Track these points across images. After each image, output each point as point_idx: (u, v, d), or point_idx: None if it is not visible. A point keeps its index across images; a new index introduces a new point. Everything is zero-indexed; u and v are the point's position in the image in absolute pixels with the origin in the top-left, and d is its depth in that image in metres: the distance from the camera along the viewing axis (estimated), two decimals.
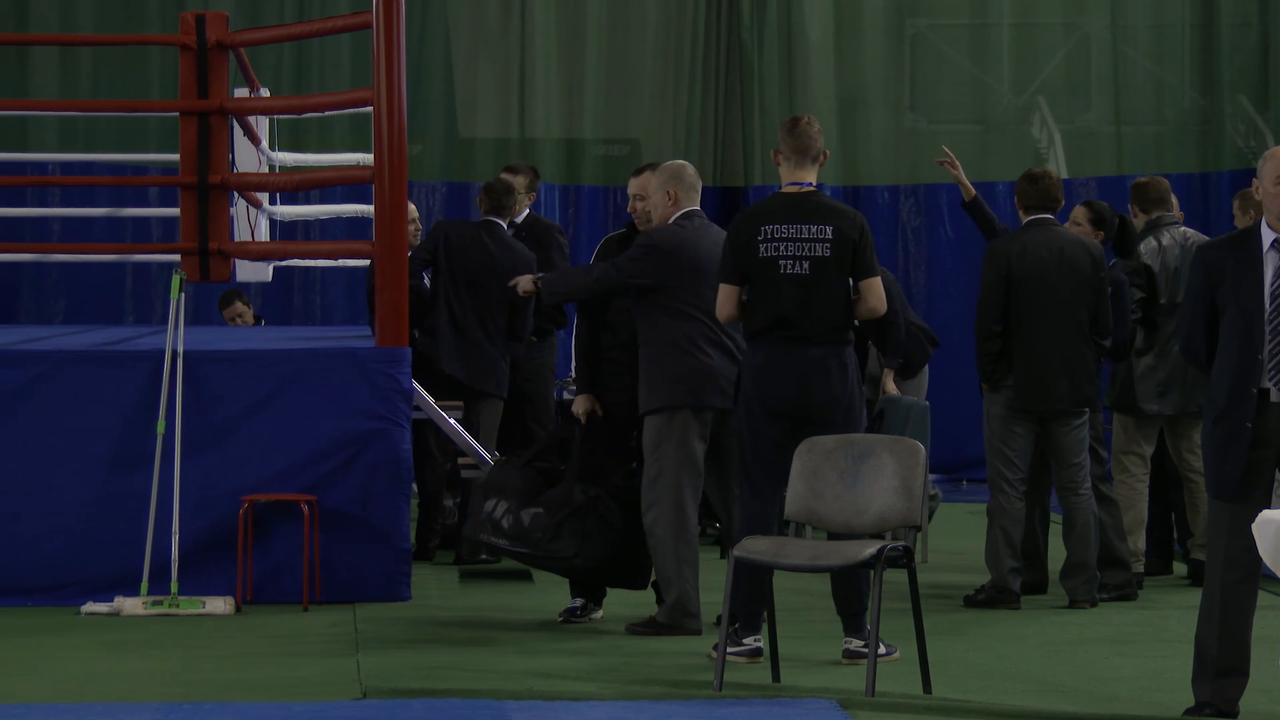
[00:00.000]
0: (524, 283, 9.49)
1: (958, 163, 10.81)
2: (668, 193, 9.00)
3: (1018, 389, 9.91)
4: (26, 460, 9.81)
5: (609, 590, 9.42)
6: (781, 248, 8.36)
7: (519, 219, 12.10)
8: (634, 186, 9.27)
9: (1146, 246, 10.56)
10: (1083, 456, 9.99)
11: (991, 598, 9.89)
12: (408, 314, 10.20)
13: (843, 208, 8.55)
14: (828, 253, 8.35)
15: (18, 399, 9.85)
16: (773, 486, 8.23)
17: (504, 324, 11.46)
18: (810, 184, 8.49)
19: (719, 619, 8.13)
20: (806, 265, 8.35)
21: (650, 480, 8.87)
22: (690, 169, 9.14)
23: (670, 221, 8.99)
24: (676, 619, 8.84)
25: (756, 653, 8.20)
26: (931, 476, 12.65)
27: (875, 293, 8.43)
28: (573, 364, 9.48)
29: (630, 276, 8.90)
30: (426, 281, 11.54)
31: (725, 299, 8.44)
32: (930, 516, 12.36)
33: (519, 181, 12.03)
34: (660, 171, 9.09)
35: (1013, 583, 9.89)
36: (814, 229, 8.36)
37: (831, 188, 16.77)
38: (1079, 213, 10.52)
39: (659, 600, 9.04)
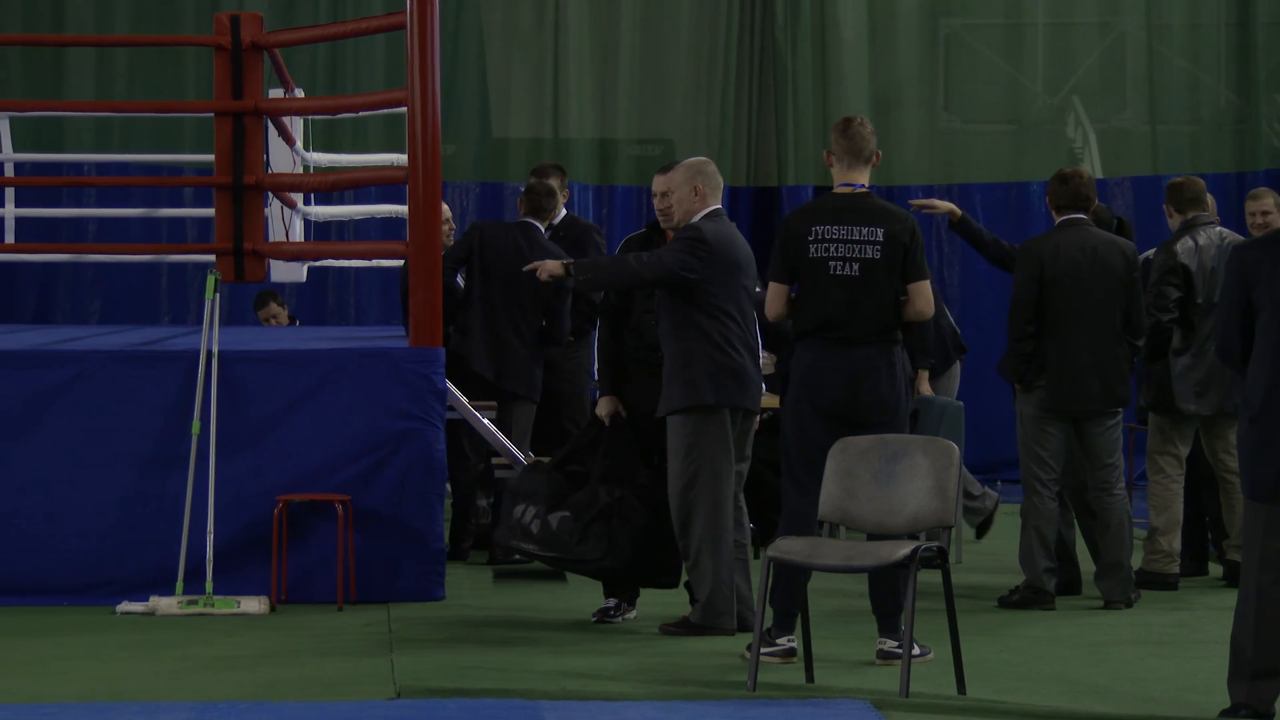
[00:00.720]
0: (551, 266, 9.03)
1: (932, 201, 10.69)
2: (695, 188, 8.95)
3: (1050, 389, 9.89)
4: (62, 460, 9.85)
5: (642, 590, 9.42)
6: (832, 248, 8.35)
7: (556, 220, 12.11)
8: (660, 185, 9.25)
9: (1183, 246, 10.53)
10: (1116, 457, 9.97)
11: (1026, 598, 9.87)
12: (442, 314, 10.21)
13: (895, 210, 8.52)
14: (878, 255, 8.34)
15: (54, 399, 9.89)
16: (817, 487, 8.21)
17: (538, 326, 11.46)
18: (863, 185, 8.47)
19: (773, 621, 8.16)
20: (856, 267, 8.34)
21: (685, 481, 8.84)
22: (713, 166, 9.09)
23: (701, 218, 8.95)
24: (710, 619, 8.84)
25: (790, 653, 8.19)
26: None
27: (924, 296, 8.42)
28: (590, 367, 9.45)
29: (680, 269, 8.77)
30: (460, 281, 11.55)
31: (774, 297, 8.44)
32: (990, 522, 12.34)
33: (556, 181, 12.04)
34: (685, 168, 9.02)
35: (1047, 583, 9.87)
36: (865, 230, 8.36)
37: (869, 188, 16.72)
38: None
39: (692, 600, 9.04)
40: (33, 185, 14.74)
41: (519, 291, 11.37)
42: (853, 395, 8.31)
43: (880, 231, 8.37)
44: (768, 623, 8.25)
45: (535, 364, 11.49)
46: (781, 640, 8.22)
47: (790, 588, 8.11)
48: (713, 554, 8.82)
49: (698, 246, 8.80)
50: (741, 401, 8.85)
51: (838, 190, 8.51)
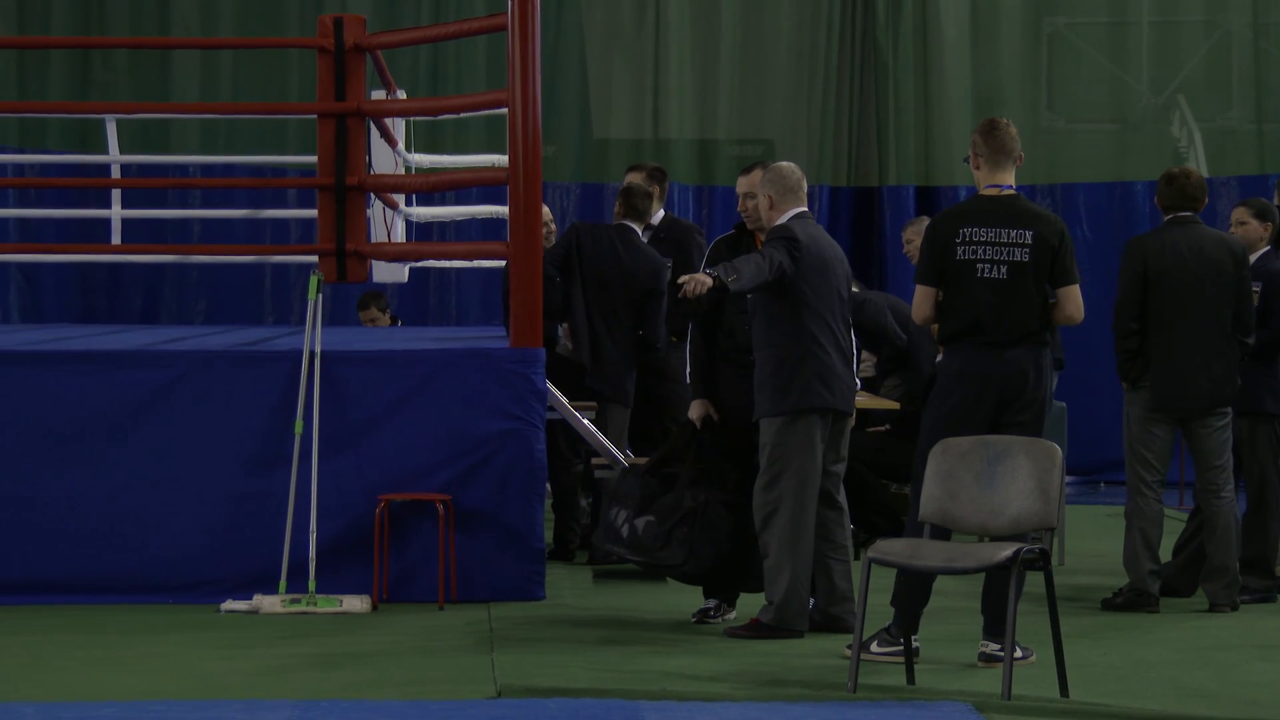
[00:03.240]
0: (698, 283, 8.47)
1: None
2: (766, 196, 8.94)
3: (1155, 388, 9.79)
4: (167, 459, 9.93)
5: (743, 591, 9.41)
6: (979, 251, 8.30)
7: (655, 220, 12.11)
8: (744, 185, 9.24)
9: None
10: (1225, 458, 9.86)
11: (1130, 601, 9.79)
12: (542, 314, 10.23)
13: (1044, 213, 8.44)
14: (1026, 258, 8.28)
15: (159, 399, 9.98)
16: None
17: (632, 331, 11.45)
18: (1010, 186, 8.40)
19: (891, 621, 8.13)
20: (1004, 269, 8.28)
21: (767, 480, 8.82)
22: (791, 170, 8.99)
23: (786, 221, 8.90)
24: (783, 619, 8.77)
25: (912, 652, 8.11)
26: (1068, 478, 12.54)
27: (1074, 301, 8.35)
28: (688, 369, 9.41)
29: (786, 265, 8.69)
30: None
31: (922, 300, 8.39)
32: None
33: (641, 177, 12.04)
34: (763, 173, 9.02)
35: (1151, 585, 9.78)
36: (1014, 233, 8.30)
37: (968, 188, 16.66)
38: (1240, 212, 10.42)
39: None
40: (139, 187, 14.85)
41: (613, 295, 11.37)
42: (1000, 400, 8.25)
43: (1029, 234, 8.30)
44: (875, 624, 8.22)
45: (627, 368, 11.46)
46: (901, 640, 8.13)
47: (918, 588, 8.08)
48: (790, 555, 8.77)
49: (796, 245, 8.77)
50: (832, 403, 8.82)
51: (985, 192, 8.43)
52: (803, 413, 8.77)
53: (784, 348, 8.80)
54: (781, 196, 8.92)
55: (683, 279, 8.65)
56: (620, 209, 11.68)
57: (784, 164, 9.07)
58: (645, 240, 11.83)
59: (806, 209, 8.99)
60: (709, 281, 8.49)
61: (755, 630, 8.82)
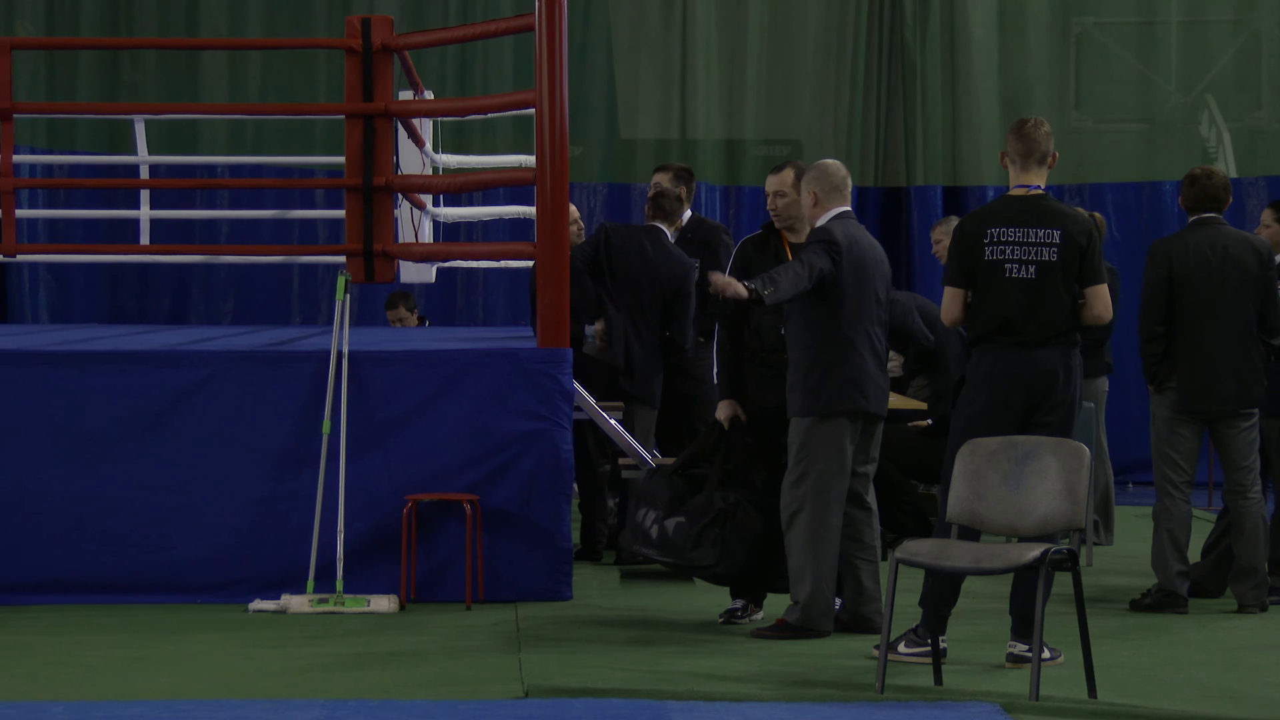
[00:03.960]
0: (735, 288, 8.42)
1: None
2: (810, 193, 8.91)
3: (1182, 390, 9.78)
4: (195, 459, 9.96)
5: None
6: (1007, 251, 8.28)
7: (682, 221, 12.12)
8: (774, 184, 9.23)
9: None
10: (1252, 459, 9.83)
11: (1158, 602, 9.77)
12: (569, 315, 10.24)
13: (1072, 211, 8.42)
14: (1054, 257, 8.26)
15: (187, 399, 10.00)
16: None
17: (659, 332, 11.45)
18: (1038, 186, 8.38)
19: (919, 621, 8.12)
20: (1032, 269, 8.26)
21: (793, 480, 8.81)
22: (837, 168, 8.98)
23: (828, 220, 8.91)
24: (809, 620, 8.76)
25: (940, 653, 8.10)
26: None
27: (1101, 300, 8.32)
28: (715, 369, 9.41)
29: (825, 271, 8.66)
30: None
31: (951, 301, 8.38)
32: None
33: (669, 178, 12.06)
34: (808, 170, 9.00)
35: (1180, 586, 9.76)
36: (1041, 233, 8.28)
37: (995, 188, 16.64)
38: (1266, 214, 10.41)
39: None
40: (167, 187, 14.92)
41: (641, 295, 11.38)
42: (1030, 400, 8.24)
43: (1057, 233, 8.28)
44: (901, 624, 8.21)
45: (654, 370, 11.46)
46: (928, 641, 8.12)
47: (947, 588, 8.06)
48: (814, 555, 8.76)
49: (834, 248, 8.75)
50: (864, 407, 8.81)
51: (1013, 192, 8.41)
52: (833, 415, 8.76)
53: (818, 350, 8.78)
54: (826, 194, 8.90)
55: (713, 275, 8.57)
56: (650, 211, 11.69)
57: (829, 161, 9.04)
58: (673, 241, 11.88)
59: (849, 208, 8.97)
60: (743, 292, 8.42)
61: (781, 630, 8.81)
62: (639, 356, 11.42)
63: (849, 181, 8.99)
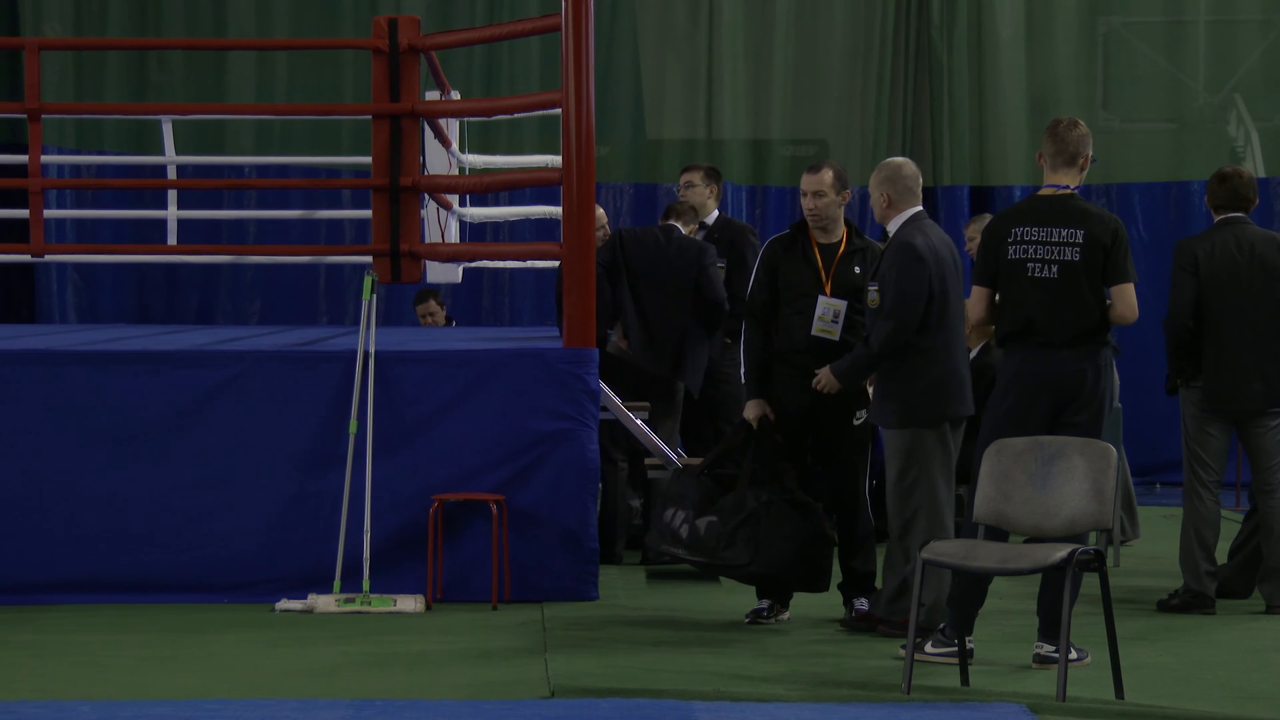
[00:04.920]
0: (832, 384, 8.91)
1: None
2: (883, 194, 8.86)
3: (1208, 390, 9.75)
4: (222, 459, 9.97)
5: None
6: (1030, 250, 8.26)
7: (709, 220, 12.14)
8: (812, 183, 9.20)
9: None
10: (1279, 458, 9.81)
11: (1186, 602, 9.75)
12: (595, 315, 10.24)
13: (1098, 211, 8.39)
14: (1077, 257, 8.24)
15: (214, 399, 10.02)
16: None
17: (687, 313, 11.45)
18: (1068, 187, 8.35)
19: (948, 620, 8.09)
20: (1055, 269, 8.24)
21: (905, 489, 8.71)
22: (909, 168, 8.91)
23: (900, 225, 8.86)
24: (931, 621, 8.55)
25: (966, 653, 8.07)
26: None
27: (1126, 300, 8.28)
28: (742, 368, 9.39)
29: (919, 298, 8.64)
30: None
31: (977, 301, 8.37)
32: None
33: (699, 176, 12.10)
34: (877, 170, 8.94)
35: (1208, 587, 9.73)
36: (1065, 232, 8.26)
37: (1022, 187, 16.61)
38: None
39: (853, 597, 8.99)
40: (195, 187, 14.95)
41: (664, 288, 11.39)
42: (1058, 401, 8.21)
43: (1080, 233, 8.26)
44: (924, 623, 8.19)
45: (691, 347, 11.46)
46: (955, 641, 8.09)
47: (975, 588, 8.04)
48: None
49: (917, 264, 8.67)
50: (958, 411, 8.77)
51: (1042, 192, 8.39)
52: (934, 423, 8.74)
53: (910, 360, 8.73)
54: (900, 196, 8.85)
55: (819, 377, 8.92)
56: (665, 213, 11.80)
57: (900, 160, 8.99)
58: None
59: (922, 208, 8.93)
60: (836, 386, 8.87)
61: (902, 630, 8.70)
62: (669, 340, 11.40)
63: (920, 179, 8.93)
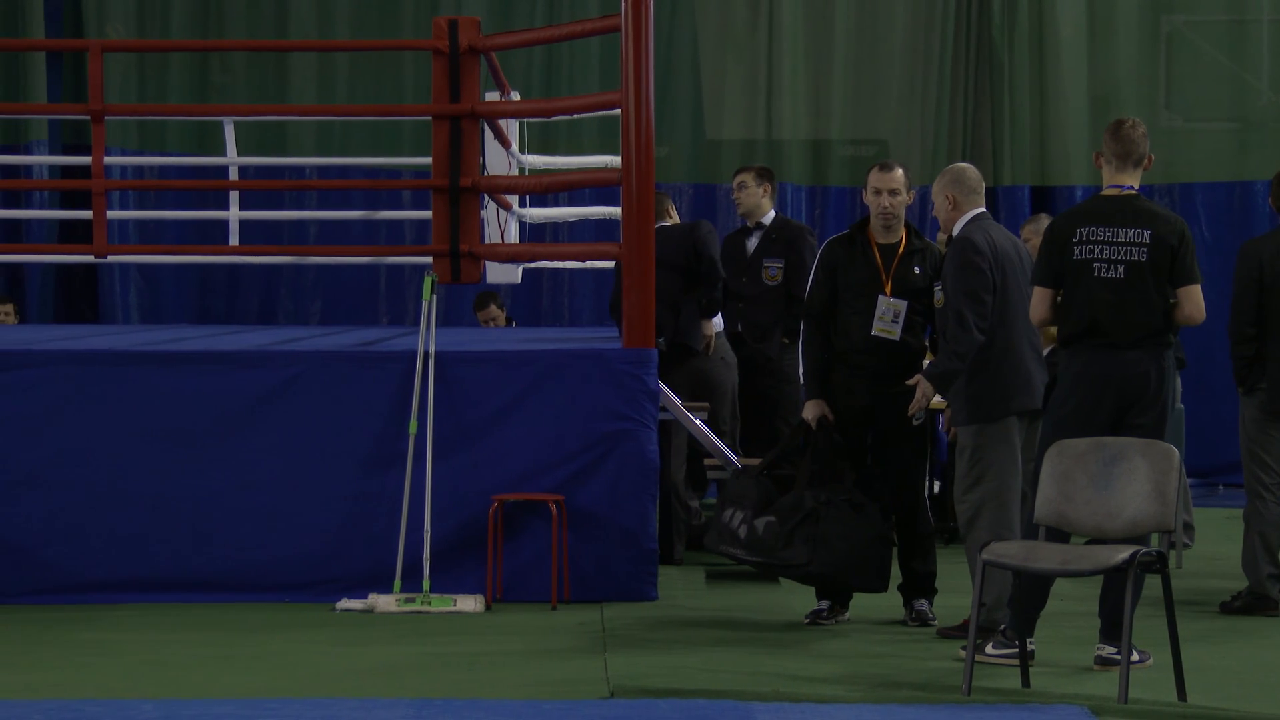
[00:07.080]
0: (919, 402, 8.94)
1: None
2: (947, 196, 8.89)
3: (1271, 392, 9.69)
4: (284, 459, 10.02)
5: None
6: (1096, 250, 8.24)
7: (766, 220, 12.14)
8: (888, 181, 9.22)
9: None
10: None
11: (1249, 604, 9.69)
12: (655, 316, 10.25)
13: (1164, 212, 8.36)
14: (1144, 257, 8.21)
15: (276, 399, 10.06)
16: None
17: (688, 291, 11.47)
18: (1131, 187, 8.33)
19: (1009, 622, 8.06)
20: (1121, 269, 8.21)
21: (969, 484, 8.71)
22: (971, 171, 8.98)
23: (963, 225, 8.86)
24: (994, 619, 8.59)
25: (1028, 655, 8.03)
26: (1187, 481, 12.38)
27: (1194, 301, 8.24)
28: (800, 368, 9.38)
29: (980, 308, 8.66)
30: None
31: (1039, 301, 8.34)
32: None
33: (750, 176, 12.12)
34: (941, 175, 9.00)
35: (1271, 589, 9.68)
36: (1131, 233, 8.23)
37: (1084, 188, 16.53)
38: None
39: (916, 599, 8.92)
40: (256, 188, 15.00)
41: (670, 279, 11.34)
42: (1122, 402, 8.18)
43: (1147, 234, 8.23)
44: (985, 622, 8.15)
45: (696, 320, 11.53)
46: (1016, 643, 8.06)
47: (1032, 590, 8.01)
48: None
49: (978, 260, 8.69)
50: (1029, 405, 8.76)
51: (1105, 192, 8.37)
52: (1002, 417, 8.72)
53: (980, 354, 8.72)
54: (965, 197, 8.89)
55: (915, 410, 8.96)
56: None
57: (963, 165, 9.07)
58: (757, 241, 11.93)
59: (985, 209, 8.94)
60: (933, 393, 8.85)
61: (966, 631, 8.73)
62: (678, 315, 11.44)
63: (983, 183, 9.00)
